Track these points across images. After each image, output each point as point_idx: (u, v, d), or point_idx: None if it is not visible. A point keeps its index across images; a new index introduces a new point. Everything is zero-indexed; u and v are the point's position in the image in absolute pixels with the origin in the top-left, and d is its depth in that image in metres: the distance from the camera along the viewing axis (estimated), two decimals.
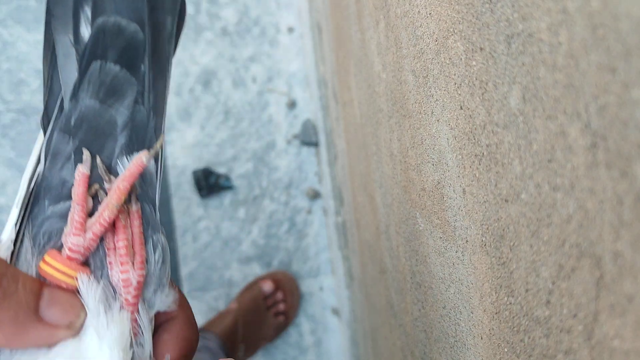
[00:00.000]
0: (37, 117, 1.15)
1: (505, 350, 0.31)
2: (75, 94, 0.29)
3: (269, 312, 1.13)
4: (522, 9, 0.23)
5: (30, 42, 1.16)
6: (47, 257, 0.27)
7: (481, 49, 0.28)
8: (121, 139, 0.29)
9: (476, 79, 0.29)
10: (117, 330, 0.27)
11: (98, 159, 0.29)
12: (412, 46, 0.40)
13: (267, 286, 1.12)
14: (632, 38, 0.16)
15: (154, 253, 0.29)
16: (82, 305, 0.26)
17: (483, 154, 0.30)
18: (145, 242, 0.29)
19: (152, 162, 0.30)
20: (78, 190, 0.28)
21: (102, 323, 0.26)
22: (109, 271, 0.28)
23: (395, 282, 0.59)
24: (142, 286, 0.28)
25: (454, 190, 0.35)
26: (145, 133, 0.30)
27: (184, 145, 1.18)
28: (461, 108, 0.32)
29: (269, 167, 1.21)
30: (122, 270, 0.27)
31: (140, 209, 0.29)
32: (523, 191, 0.25)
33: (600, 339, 0.20)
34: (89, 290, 0.27)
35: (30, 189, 0.28)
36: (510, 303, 0.29)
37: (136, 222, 0.29)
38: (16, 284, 0.24)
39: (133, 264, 0.28)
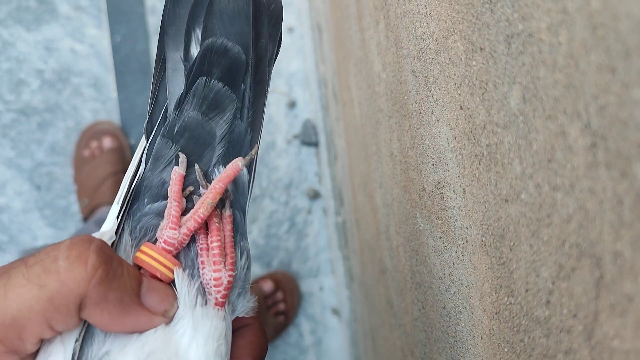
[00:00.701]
0: (37, 117, 1.15)
1: (505, 350, 0.31)
2: (180, 105, 0.32)
3: (269, 312, 1.13)
4: (522, 9, 0.23)
5: (30, 42, 1.16)
6: (144, 247, 0.28)
7: (481, 49, 0.28)
8: (218, 149, 0.32)
9: (476, 79, 0.29)
10: (211, 324, 0.28)
11: (196, 166, 0.31)
12: (412, 46, 0.40)
13: (267, 286, 1.12)
14: (632, 38, 0.16)
15: (241, 258, 0.30)
16: (176, 296, 0.28)
17: (483, 154, 0.30)
18: (234, 247, 0.30)
19: (246, 172, 0.32)
20: (174, 188, 0.30)
21: (197, 315, 0.28)
22: (200, 270, 0.29)
23: (395, 282, 0.59)
24: (230, 289, 0.29)
25: (454, 190, 0.35)
26: (241, 145, 0.32)
27: None
28: (461, 108, 0.32)
29: (269, 167, 1.21)
30: (215, 270, 0.29)
31: (232, 214, 0.31)
32: (523, 191, 0.25)
33: (600, 339, 0.20)
34: (184, 283, 0.28)
35: (131, 189, 0.30)
36: (510, 303, 0.29)
37: (228, 227, 0.30)
38: (122, 268, 0.26)
39: (224, 264, 0.29)
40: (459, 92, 0.32)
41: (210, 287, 0.29)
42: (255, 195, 1.20)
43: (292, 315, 1.17)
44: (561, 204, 0.22)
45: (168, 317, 0.27)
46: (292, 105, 1.22)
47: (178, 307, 0.28)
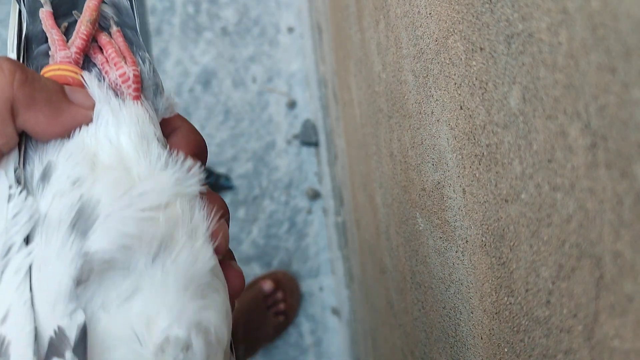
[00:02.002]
0: None
1: (505, 350, 0.31)
2: None
3: (269, 311, 1.13)
4: (522, 9, 0.23)
5: None
6: (44, 69, 0.29)
7: (481, 49, 0.28)
8: None
9: (476, 79, 0.29)
10: (132, 111, 0.29)
11: (74, 12, 0.31)
12: (412, 46, 0.40)
13: (267, 286, 1.12)
14: (632, 38, 0.16)
15: (144, 64, 0.31)
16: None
17: (483, 154, 0.30)
18: (134, 55, 0.31)
19: None
20: (47, 22, 0.30)
21: (115, 107, 0.28)
22: (105, 76, 0.30)
23: (395, 282, 0.59)
24: (140, 83, 0.30)
25: (454, 190, 0.35)
26: None
27: None
28: (461, 108, 0.32)
29: (269, 167, 1.21)
30: (117, 68, 0.29)
31: (120, 30, 0.32)
32: (523, 191, 0.25)
33: (600, 339, 0.20)
34: (93, 82, 0.29)
35: (23, 42, 0.31)
36: (510, 303, 0.29)
37: (120, 39, 0.31)
38: (38, 74, 0.26)
39: (125, 62, 0.30)
40: (459, 92, 0.32)
41: (119, 85, 0.29)
42: (255, 195, 1.20)
43: (292, 315, 1.17)
44: (561, 204, 0.22)
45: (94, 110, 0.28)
46: (292, 105, 1.22)
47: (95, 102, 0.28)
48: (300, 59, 1.22)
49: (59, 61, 0.29)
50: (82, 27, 0.30)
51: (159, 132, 0.29)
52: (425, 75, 0.38)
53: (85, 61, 0.31)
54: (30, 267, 0.23)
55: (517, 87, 0.24)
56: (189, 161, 0.29)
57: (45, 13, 0.31)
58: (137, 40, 0.32)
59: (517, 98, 0.25)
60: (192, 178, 0.29)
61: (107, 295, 0.24)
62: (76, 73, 0.29)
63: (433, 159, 0.39)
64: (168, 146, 0.29)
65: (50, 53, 0.30)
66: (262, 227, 1.20)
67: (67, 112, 0.27)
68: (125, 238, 0.24)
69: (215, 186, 1.17)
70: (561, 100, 0.21)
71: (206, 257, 0.27)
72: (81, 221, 0.24)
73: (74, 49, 0.30)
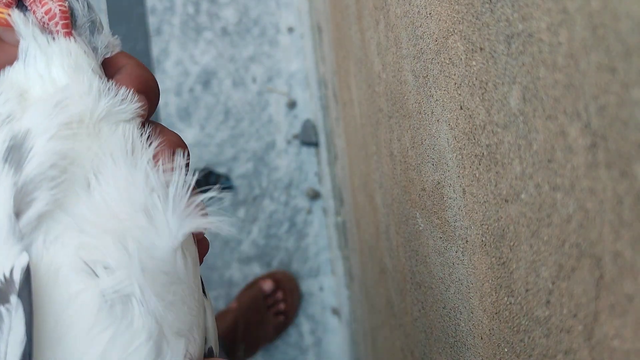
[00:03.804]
0: None
1: (505, 350, 0.31)
2: None
3: (269, 311, 1.13)
4: (522, 9, 0.23)
5: None
6: None
7: (481, 49, 0.28)
8: None
9: (476, 79, 0.29)
10: (62, 46, 0.28)
11: None
12: (412, 46, 0.40)
13: (267, 286, 1.12)
14: (632, 38, 0.16)
15: (77, 0, 0.30)
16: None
17: (483, 154, 0.30)
18: None
19: None
20: None
21: (43, 43, 0.28)
22: (32, 15, 0.29)
23: (395, 282, 0.59)
24: (69, 19, 0.29)
25: (454, 190, 0.35)
26: None
27: None
28: (461, 108, 0.32)
29: (269, 167, 1.21)
30: (42, 5, 0.29)
31: None
32: (523, 191, 0.25)
33: (600, 339, 0.20)
34: (20, 19, 0.28)
35: None
36: (510, 303, 0.29)
37: None
38: None
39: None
40: (459, 92, 0.32)
41: (46, 22, 0.29)
42: (255, 195, 1.20)
43: (292, 315, 1.17)
44: (561, 204, 0.22)
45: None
46: (292, 105, 1.22)
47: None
48: (300, 59, 1.22)
49: None
50: None
51: (95, 65, 0.29)
52: (425, 75, 0.38)
53: (19, 5, 0.29)
54: None
55: (517, 87, 0.24)
56: (124, 90, 0.28)
57: None
58: None
59: (517, 98, 0.25)
60: (125, 105, 0.27)
61: (48, 232, 0.23)
62: (3, 14, 0.28)
63: (433, 159, 0.39)
64: (108, 80, 0.29)
65: None
66: (262, 227, 1.20)
67: (8, 51, 0.27)
68: (53, 156, 0.24)
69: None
70: (561, 100, 0.21)
71: (141, 180, 0.26)
72: (14, 154, 0.24)
73: None
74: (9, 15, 0.29)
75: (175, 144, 0.29)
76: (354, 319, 1.01)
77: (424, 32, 0.37)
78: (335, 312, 1.19)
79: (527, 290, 0.27)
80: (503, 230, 0.28)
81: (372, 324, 0.81)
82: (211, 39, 1.21)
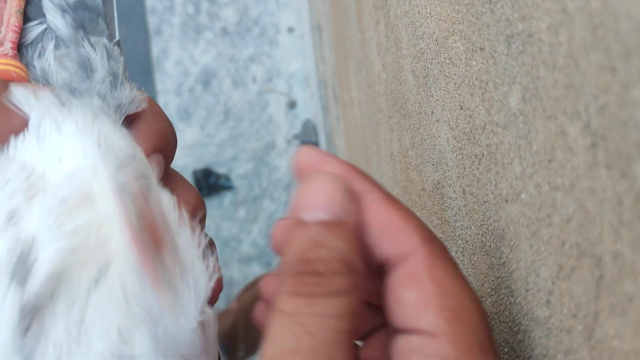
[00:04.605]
0: None
1: (505, 350, 0.31)
2: None
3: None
4: (522, 9, 0.23)
5: None
6: None
7: (481, 49, 0.28)
8: None
9: (476, 79, 0.29)
10: (78, 121, 0.25)
11: None
12: (412, 46, 0.40)
13: None
14: (632, 38, 0.16)
15: (96, 50, 0.28)
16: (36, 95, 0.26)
17: (483, 154, 0.30)
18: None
19: None
20: None
21: (58, 116, 0.25)
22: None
23: None
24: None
25: (454, 191, 0.35)
26: None
27: (183, 145, 1.18)
28: (461, 108, 0.32)
29: (269, 167, 1.21)
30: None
31: (70, 13, 0.28)
32: (523, 191, 0.25)
33: (600, 339, 0.20)
34: (29, 92, 0.26)
35: None
36: (510, 303, 0.29)
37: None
38: None
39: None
40: (459, 92, 0.32)
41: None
42: (255, 195, 1.20)
43: None
44: (561, 204, 0.22)
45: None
46: (292, 105, 1.22)
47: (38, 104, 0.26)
48: (300, 59, 1.22)
49: None
50: (13, 19, 0.28)
51: (119, 136, 0.26)
52: (425, 75, 0.38)
53: (20, 50, 0.28)
54: None
55: (517, 87, 0.24)
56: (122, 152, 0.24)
57: None
58: (92, 25, 0.28)
59: (517, 98, 0.25)
60: (126, 168, 0.24)
61: (55, 334, 0.22)
62: (19, 68, 0.27)
63: (433, 159, 0.39)
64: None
65: None
66: (262, 227, 1.20)
67: (9, 116, 0.24)
68: (58, 263, 0.22)
69: (215, 186, 1.17)
70: (561, 100, 0.21)
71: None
72: (20, 268, 0.22)
73: (8, 45, 0.27)
74: (21, 69, 0.27)
75: (192, 205, 0.26)
76: None
77: (424, 32, 0.37)
78: None
79: (527, 290, 0.27)
80: (503, 230, 0.28)
81: None
82: (211, 39, 1.21)
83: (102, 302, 0.22)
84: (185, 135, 1.16)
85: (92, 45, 0.28)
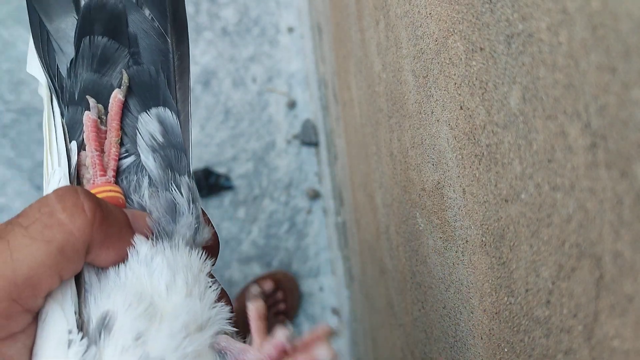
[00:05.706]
0: (37, 117, 1.15)
1: (505, 350, 0.31)
2: (73, 70, 0.32)
3: (269, 311, 1.13)
4: (522, 9, 0.23)
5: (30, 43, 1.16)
6: (93, 189, 0.29)
7: (481, 49, 0.28)
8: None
9: (476, 79, 0.29)
10: (183, 256, 0.29)
11: (95, 105, 0.31)
12: (412, 46, 0.40)
13: (267, 286, 1.12)
14: (632, 38, 0.16)
15: (180, 192, 0.30)
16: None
17: (483, 154, 0.30)
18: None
19: (169, 113, 0.32)
20: (90, 135, 0.30)
21: (169, 255, 0.28)
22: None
23: (395, 282, 0.59)
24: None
25: (454, 190, 0.35)
26: (153, 86, 0.32)
27: None
28: (461, 108, 0.32)
29: (269, 167, 1.21)
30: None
31: (159, 152, 0.31)
32: (523, 191, 0.25)
33: (600, 339, 0.20)
34: (143, 240, 0.29)
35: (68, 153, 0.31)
36: (510, 303, 0.29)
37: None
38: (108, 205, 0.26)
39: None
40: (459, 92, 0.32)
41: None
42: (255, 195, 1.20)
43: (292, 315, 1.17)
44: (561, 204, 0.22)
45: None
46: (292, 105, 1.22)
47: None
48: (300, 59, 1.22)
49: (100, 183, 0.30)
50: (114, 149, 0.31)
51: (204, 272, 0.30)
52: (425, 75, 0.38)
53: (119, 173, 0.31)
54: None
55: (517, 87, 0.24)
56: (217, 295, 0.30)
57: (90, 121, 0.31)
58: (177, 163, 0.31)
59: (517, 98, 0.25)
60: (222, 314, 0.31)
61: None
62: (120, 193, 0.29)
63: (433, 159, 0.39)
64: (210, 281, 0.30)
65: (87, 176, 0.30)
66: (262, 227, 1.20)
67: (130, 242, 0.27)
68: None
69: (215, 186, 1.17)
70: (561, 100, 0.21)
71: None
72: None
73: (110, 173, 0.30)
74: (122, 195, 0.29)
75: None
76: (354, 319, 1.01)
77: (424, 32, 0.37)
78: (335, 312, 1.19)
79: (527, 290, 0.27)
80: (503, 230, 0.28)
81: (372, 324, 0.81)
82: (211, 39, 1.21)
83: None
84: None
85: (177, 187, 0.30)
